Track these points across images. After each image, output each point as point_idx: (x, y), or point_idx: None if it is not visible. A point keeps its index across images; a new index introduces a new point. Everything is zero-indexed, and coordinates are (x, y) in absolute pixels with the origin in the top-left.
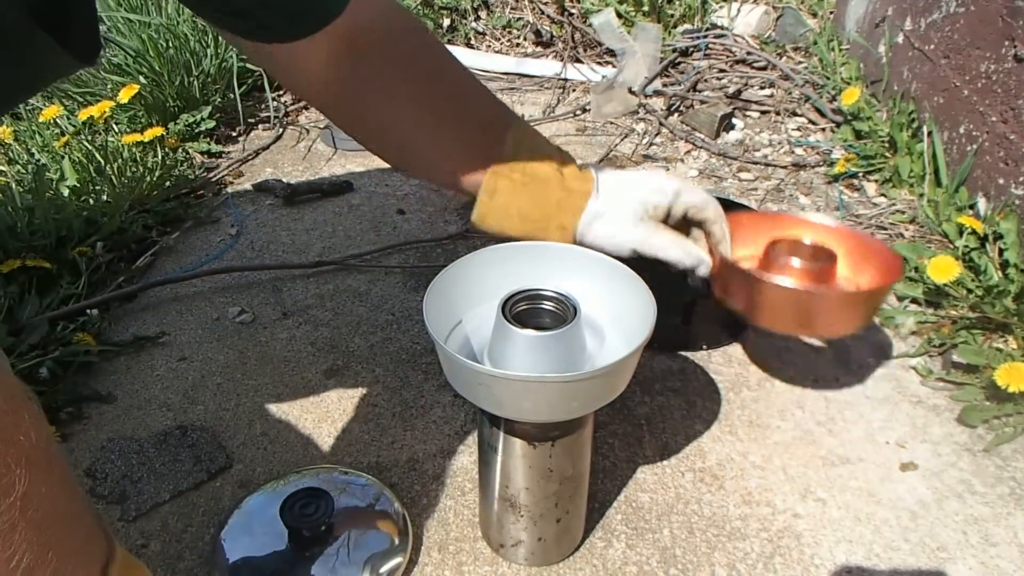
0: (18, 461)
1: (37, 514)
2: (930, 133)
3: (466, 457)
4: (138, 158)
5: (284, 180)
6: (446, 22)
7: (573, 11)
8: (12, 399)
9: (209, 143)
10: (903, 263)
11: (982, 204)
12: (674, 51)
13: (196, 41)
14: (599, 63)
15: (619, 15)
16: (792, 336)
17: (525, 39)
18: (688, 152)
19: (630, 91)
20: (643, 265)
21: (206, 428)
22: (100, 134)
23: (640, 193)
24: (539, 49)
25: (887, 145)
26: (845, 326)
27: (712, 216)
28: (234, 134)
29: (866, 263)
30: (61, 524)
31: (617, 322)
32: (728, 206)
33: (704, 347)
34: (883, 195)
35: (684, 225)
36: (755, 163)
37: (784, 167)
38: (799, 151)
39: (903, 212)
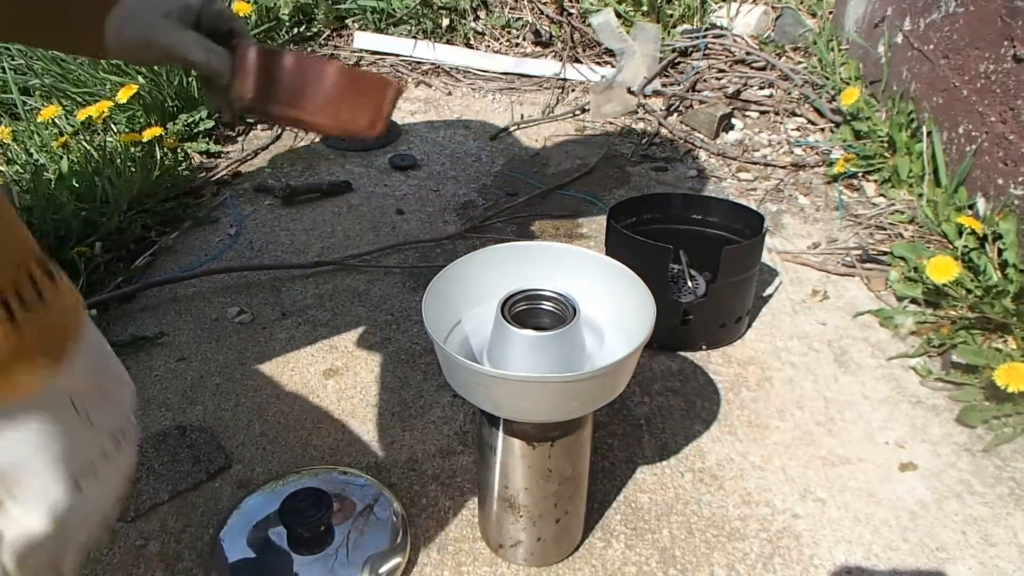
0: None
1: None
2: (929, 133)
3: (465, 457)
4: (137, 158)
5: (283, 180)
6: (445, 22)
7: (572, 11)
8: None
9: (208, 143)
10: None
11: (981, 204)
12: (673, 51)
13: None
14: (598, 63)
15: (618, 15)
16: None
17: (524, 39)
18: (687, 152)
19: (629, 91)
20: (643, 265)
21: (205, 428)
22: (99, 134)
23: None
24: (538, 49)
25: (886, 145)
26: (351, 111)
27: (241, 27)
28: (233, 134)
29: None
30: None
31: (617, 322)
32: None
33: (704, 347)
34: (882, 195)
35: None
36: (754, 163)
37: (783, 167)
38: (798, 151)
39: (902, 212)
